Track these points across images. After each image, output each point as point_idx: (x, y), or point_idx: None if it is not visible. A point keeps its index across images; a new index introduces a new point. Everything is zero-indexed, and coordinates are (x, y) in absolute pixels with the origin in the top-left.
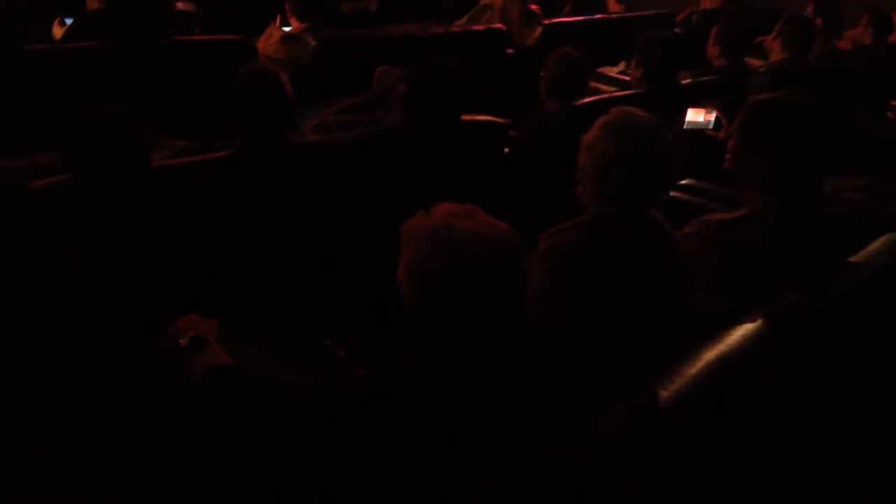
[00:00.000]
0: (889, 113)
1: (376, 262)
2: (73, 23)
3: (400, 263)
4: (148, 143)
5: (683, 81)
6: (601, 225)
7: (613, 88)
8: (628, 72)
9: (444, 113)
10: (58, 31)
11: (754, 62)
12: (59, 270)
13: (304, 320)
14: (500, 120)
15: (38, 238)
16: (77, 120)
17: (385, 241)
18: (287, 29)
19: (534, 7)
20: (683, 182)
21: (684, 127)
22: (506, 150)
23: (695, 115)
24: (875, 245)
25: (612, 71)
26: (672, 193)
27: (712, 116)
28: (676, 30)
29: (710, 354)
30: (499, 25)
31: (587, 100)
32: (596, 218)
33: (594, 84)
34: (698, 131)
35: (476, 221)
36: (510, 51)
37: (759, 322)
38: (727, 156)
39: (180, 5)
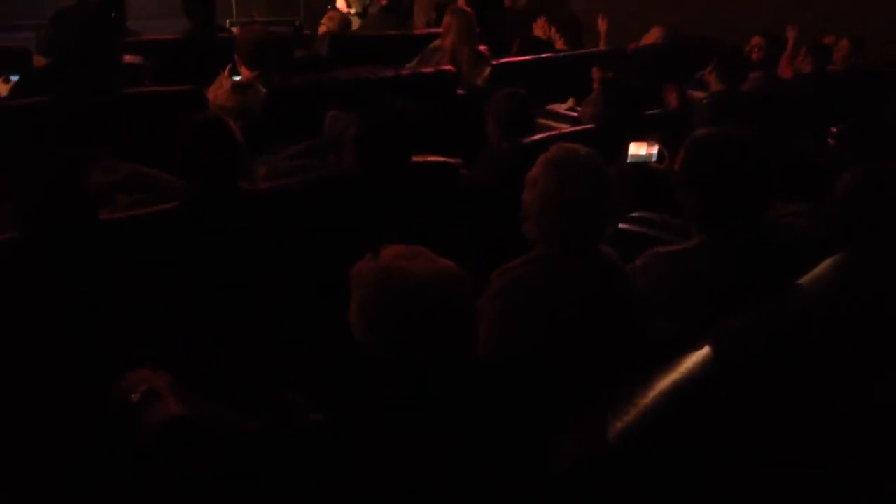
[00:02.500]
0: (829, 140)
1: (331, 305)
2: (19, 80)
3: (351, 305)
4: (96, 195)
5: None
6: (550, 261)
7: (563, 125)
8: (578, 108)
9: (394, 156)
10: (3, 88)
11: (696, 94)
12: (9, 328)
13: (260, 368)
14: (451, 160)
15: None
16: (22, 176)
17: (339, 285)
18: (237, 78)
19: (482, 48)
20: (634, 214)
21: (628, 160)
22: (459, 189)
23: (637, 149)
24: (818, 269)
25: (561, 108)
26: (622, 225)
27: (654, 149)
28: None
29: (663, 383)
30: (448, 67)
31: (536, 137)
32: (544, 254)
33: (544, 121)
34: (641, 164)
35: (424, 261)
36: (460, 91)
37: (707, 348)
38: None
39: (129, 58)
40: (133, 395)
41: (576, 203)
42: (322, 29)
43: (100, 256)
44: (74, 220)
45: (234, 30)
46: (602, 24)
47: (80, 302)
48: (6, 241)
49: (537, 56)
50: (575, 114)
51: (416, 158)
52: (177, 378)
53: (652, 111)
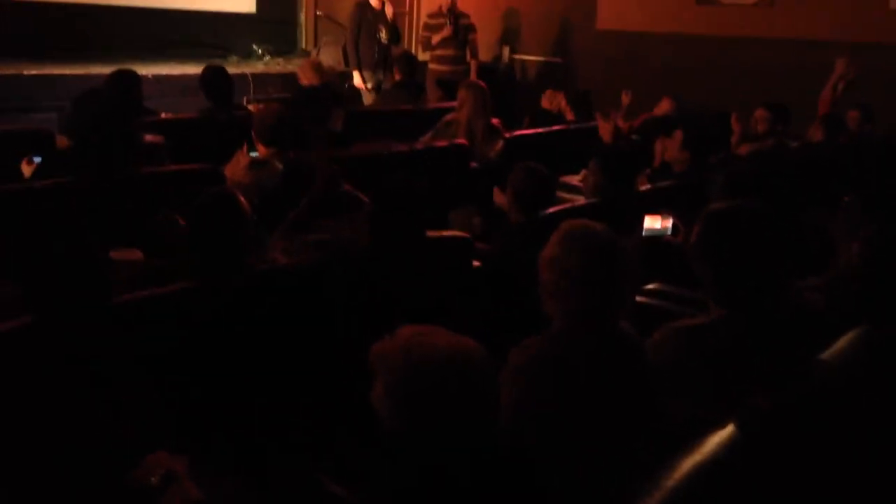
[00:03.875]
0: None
1: (346, 382)
2: (41, 161)
3: (376, 387)
4: (108, 276)
5: (642, 187)
6: (568, 337)
7: (576, 196)
8: (581, 181)
9: (408, 231)
10: (27, 170)
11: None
12: (24, 412)
13: (276, 446)
14: (465, 234)
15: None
16: (37, 257)
17: (355, 362)
18: (254, 154)
19: (495, 121)
20: (649, 287)
21: (643, 234)
22: (475, 263)
23: (652, 222)
24: (840, 343)
25: (574, 179)
26: (638, 298)
27: (669, 223)
28: (633, 136)
29: (687, 464)
30: (462, 140)
31: (552, 210)
32: (563, 330)
33: (558, 193)
34: (657, 237)
35: (445, 336)
36: (473, 164)
37: (731, 428)
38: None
39: (149, 137)
40: (152, 479)
41: (594, 281)
42: (304, 81)
43: (113, 338)
44: (89, 302)
45: (251, 107)
46: (625, 98)
47: (94, 385)
48: (21, 325)
49: (549, 129)
50: None
51: (430, 233)
52: (194, 460)
53: (663, 183)
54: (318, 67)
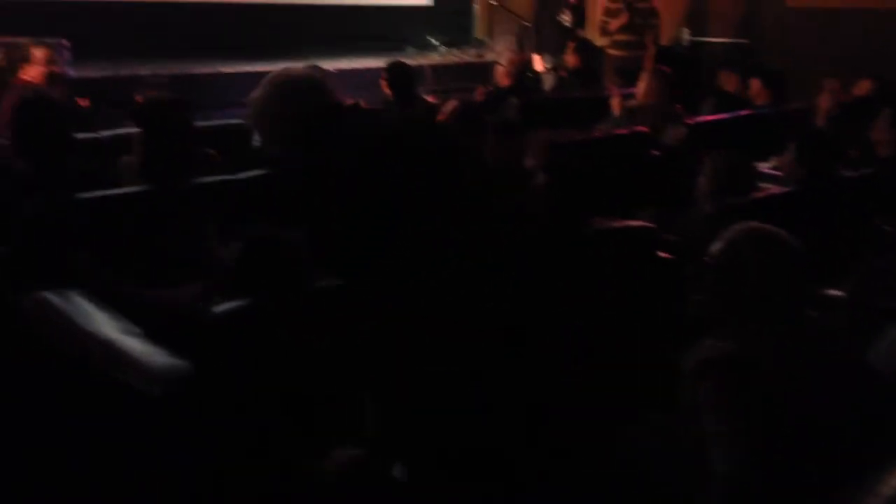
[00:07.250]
0: None
1: None
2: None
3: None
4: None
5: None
6: (763, 334)
7: (767, 185)
8: (774, 168)
9: (584, 214)
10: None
11: None
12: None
13: None
14: (649, 224)
15: None
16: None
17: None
18: None
19: (678, 107)
20: None
21: None
22: (660, 254)
23: None
24: None
25: (764, 167)
26: None
27: None
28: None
29: None
30: (643, 128)
31: (742, 200)
32: (756, 330)
33: None
34: None
35: None
36: (655, 152)
37: None
38: None
39: None
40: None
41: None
42: (500, 71)
43: None
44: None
45: (430, 98)
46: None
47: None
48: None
49: (735, 114)
50: (779, 173)
51: (614, 223)
52: None
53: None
54: (520, 66)
